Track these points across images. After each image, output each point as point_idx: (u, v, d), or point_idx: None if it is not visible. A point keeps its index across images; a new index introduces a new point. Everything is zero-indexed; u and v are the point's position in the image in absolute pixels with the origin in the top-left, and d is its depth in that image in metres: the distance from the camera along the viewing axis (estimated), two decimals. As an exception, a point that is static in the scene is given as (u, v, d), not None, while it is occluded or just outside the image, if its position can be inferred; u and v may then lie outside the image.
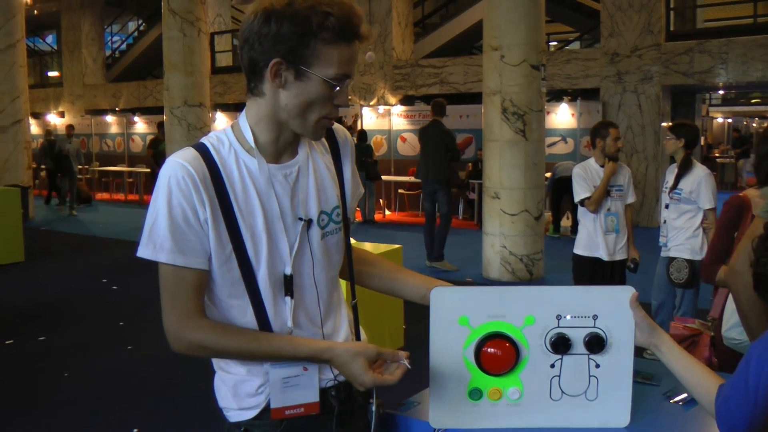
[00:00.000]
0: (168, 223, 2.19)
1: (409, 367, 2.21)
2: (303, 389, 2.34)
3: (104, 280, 11.87)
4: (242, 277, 2.27)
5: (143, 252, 2.22)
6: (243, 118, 2.34)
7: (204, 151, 2.27)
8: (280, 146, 2.33)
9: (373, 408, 2.41)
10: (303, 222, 2.34)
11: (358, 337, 2.61)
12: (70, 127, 20.75)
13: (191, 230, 2.20)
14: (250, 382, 2.36)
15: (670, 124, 8.36)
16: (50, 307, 10.36)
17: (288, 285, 2.33)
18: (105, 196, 25.84)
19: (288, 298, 2.33)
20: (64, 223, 19.26)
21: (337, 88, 2.22)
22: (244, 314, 2.31)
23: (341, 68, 2.20)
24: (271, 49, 2.16)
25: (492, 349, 2.32)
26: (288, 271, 2.32)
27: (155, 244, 2.20)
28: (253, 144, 2.29)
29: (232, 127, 2.36)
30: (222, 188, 2.24)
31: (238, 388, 2.38)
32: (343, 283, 2.62)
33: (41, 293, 11.32)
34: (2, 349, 8.38)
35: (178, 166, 2.20)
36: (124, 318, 9.40)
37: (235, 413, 2.39)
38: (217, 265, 2.25)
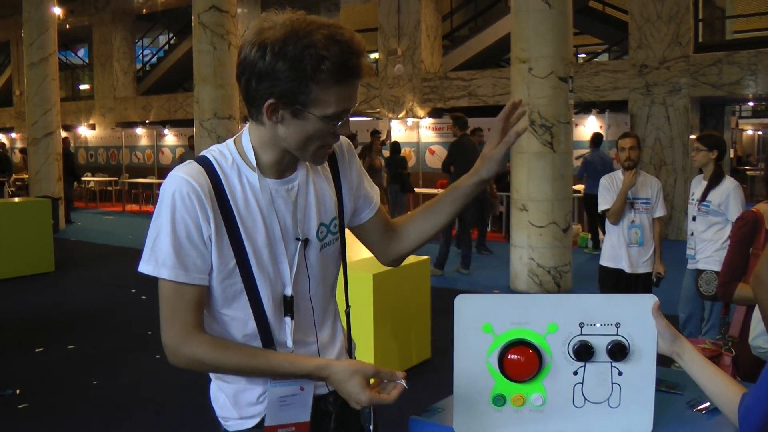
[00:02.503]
0: (171, 239, 2.19)
1: (405, 387, 2.21)
2: (297, 408, 2.36)
3: (133, 290, 11.90)
4: (245, 290, 2.29)
5: (145, 267, 2.24)
6: (246, 138, 2.34)
7: (207, 165, 2.28)
8: (282, 166, 2.34)
9: (370, 413, 2.41)
10: (300, 242, 2.36)
11: (350, 346, 2.64)
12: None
13: (194, 247, 2.21)
14: (251, 391, 2.38)
15: (696, 136, 8.30)
16: (79, 316, 10.45)
17: (288, 306, 2.35)
18: (134, 207, 25.98)
19: (288, 319, 2.36)
20: (93, 234, 19.38)
21: (338, 124, 2.21)
22: (244, 327, 2.33)
23: (339, 106, 2.17)
24: (265, 89, 2.14)
25: (515, 356, 2.33)
26: (288, 292, 2.35)
27: (157, 260, 2.21)
28: (255, 164, 2.30)
29: (234, 142, 2.37)
30: (225, 203, 2.25)
31: (238, 398, 2.40)
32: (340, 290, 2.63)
33: (71, 302, 11.43)
34: (32, 356, 8.45)
35: (183, 182, 2.21)
36: (153, 327, 9.41)
37: (235, 422, 2.42)
38: (218, 279, 2.27)
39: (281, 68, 2.09)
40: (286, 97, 2.14)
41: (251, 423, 2.39)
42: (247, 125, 2.36)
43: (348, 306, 2.64)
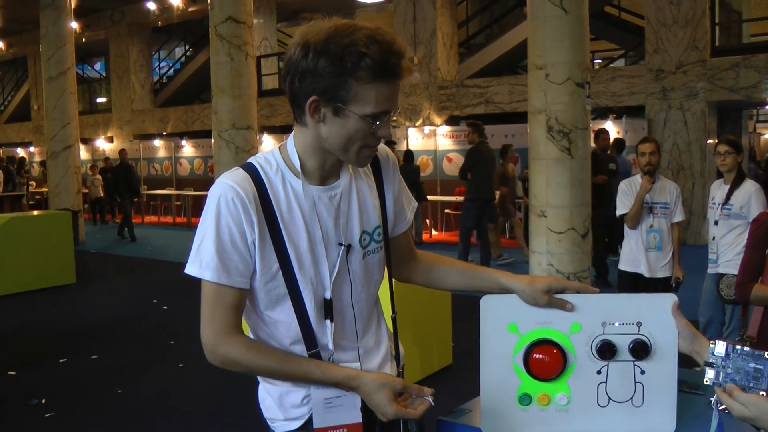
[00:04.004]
0: (215, 243, 2.25)
1: (432, 404, 2.24)
2: (346, 410, 2.38)
3: (154, 301, 11.98)
4: (288, 294, 2.33)
5: (190, 269, 2.30)
6: (291, 144, 2.38)
7: (253, 171, 2.32)
8: (326, 171, 2.37)
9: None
10: (343, 247, 2.38)
11: (397, 351, 2.67)
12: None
13: (237, 251, 2.26)
14: (296, 393, 2.41)
15: (716, 140, 8.26)
16: (102, 327, 10.51)
17: (328, 309, 2.38)
18: (153, 219, 26.07)
19: (328, 322, 2.38)
20: (114, 246, 19.48)
21: (377, 123, 2.24)
22: (289, 330, 2.37)
23: (379, 106, 2.20)
24: (308, 86, 2.18)
25: (540, 355, 2.37)
26: (328, 295, 2.37)
27: (202, 262, 2.26)
28: (299, 169, 2.33)
29: (279, 149, 2.40)
30: (269, 208, 2.29)
31: (283, 399, 2.44)
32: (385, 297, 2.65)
33: (93, 314, 11.49)
34: (56, 367, 8.51)
35: (228, 188, 2.26)
36: (175, 337, 9.50)
37: (281, 424, 2.45)
38: (262, 282, 2.32)
39: (322, 65, 2.13)
40: (327, 94, 2.17)
41: (296, 424, 2.43)
42: (293, 132, 2.40)
43: (394, 312, 2.68)
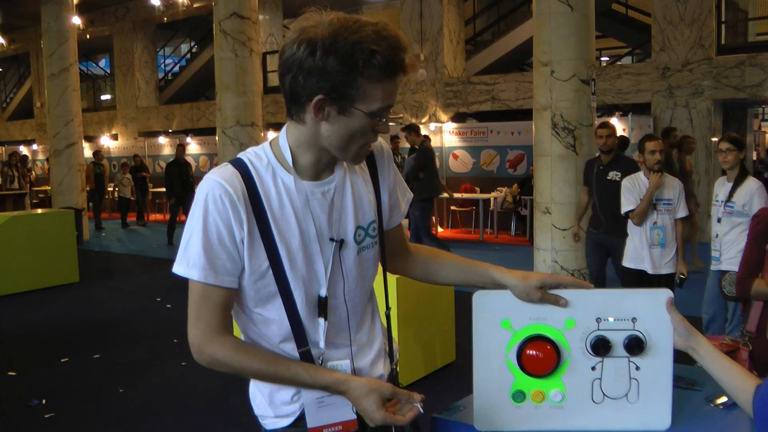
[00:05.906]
0: (202, 242, 2.22)
1: (421, 411, 2.22)
2: (339, 408, 2.36)
3: (158, 299, 11.96)
4: (279, 292, 2.30)
5: (177, 268, 2.27)
6: (283, 139, 2.33)
7: (242, 167, 2.29)
8: (320, 167, 2.34)
9: None
10: (335, 243, 2.36)
11: (390, 348, 2.64)
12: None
13: (225, 250, 2.23)
14: (286, 391, 2.39)
15: (719, 137, 8.24)
16: (105, 326, 10.49)
17: (322, 307, 2.36)
18: (158, 217, 26.03)
19: (321, 320, 2.36)
20: (117, 244, 19.50)
21: (383, 120, 2.22)
22: (280, 328, 2.34)
23: (385, 101, 2.18)
24: (314, 85, 2.13)
25: (533, 351, 2.35)
26: (323, 293, 2.35)
27: (189, 261, 2.24)
28: (292, 165, 2.30)
29: (270, 144, 2.37)
30: (259, 205, 2.26)
31: (273, 396, 2.42)
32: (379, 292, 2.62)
33: (96, 313, 11.46)
34: (58, 367, 8.49)
35: (216, 185, 2.22)
36: (178, 335, 9.45)
37: (271, 421, 2.44)
38: (252, 281, 2.28)
39: (331, 63, 2.09)
40: (335, 93, 2.13)
41: (287, 422, 2.42)
42: (284, 126, 2.36)
43: (388, 308, 2.64)
